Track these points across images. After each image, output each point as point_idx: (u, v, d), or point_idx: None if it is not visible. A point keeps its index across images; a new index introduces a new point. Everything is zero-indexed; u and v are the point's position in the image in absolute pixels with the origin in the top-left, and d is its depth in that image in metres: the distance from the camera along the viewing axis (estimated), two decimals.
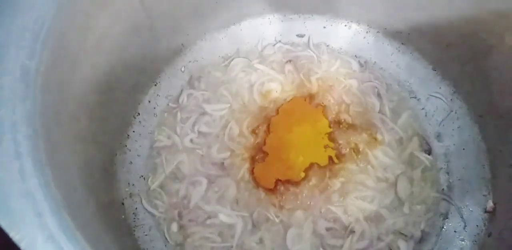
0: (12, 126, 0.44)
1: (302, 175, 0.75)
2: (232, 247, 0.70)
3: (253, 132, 0.78)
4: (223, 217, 0.73)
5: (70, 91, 0.56)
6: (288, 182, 0.75)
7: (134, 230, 0.72)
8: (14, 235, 0.39)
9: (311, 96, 0.81)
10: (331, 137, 0.78)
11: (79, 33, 0.57)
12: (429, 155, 0.77)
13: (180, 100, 0.81)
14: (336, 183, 0.74)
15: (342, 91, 0.81)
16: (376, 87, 0.82)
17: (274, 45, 0.86)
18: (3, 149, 0.42)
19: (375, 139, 0.78)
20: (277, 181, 0.75)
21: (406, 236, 0.71)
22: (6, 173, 0.41)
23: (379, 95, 0.81)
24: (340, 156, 0.76)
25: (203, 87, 0.83)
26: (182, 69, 0.83)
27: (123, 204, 0.72)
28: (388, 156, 0.76)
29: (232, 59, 0.84)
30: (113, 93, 0.70)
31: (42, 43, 0.49)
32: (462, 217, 0.73)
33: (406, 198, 0.73)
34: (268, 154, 0.77)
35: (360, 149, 0.77)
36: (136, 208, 0.73)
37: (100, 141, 0.67)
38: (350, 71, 0.83)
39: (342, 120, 0.79)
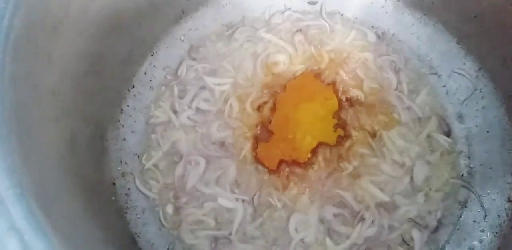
0: None
1: (309, 156, 0.69)
2: (230, 234, 0.65)
3: (258, 109, 0.72)
4: (222, 201, 0.67)
5: (50, 61, 0.50)
6: (293, 163, 0.69)
7: (126, 212, 0.67)
8: None
9: (322, 70, 0.74)
10: (342, 116, 0.71)
11: None
12: (448, 137, 0.71)
13: (179, 73, 0.75)
14: (347, 166, 0.68)
15: (356, 65, 0.74)
16: (394, 62, 0.75)
17: (283, 12, 0.78)
18: None
19: (391, 118, 0.71)
20: (282, 162, 0.69)
21: (420, 225, 0.66)
22: None
23: (396, 71, 0.74)
24: (351, 137, 0.70)
25: (204, 59, 0.76)
26: (182, 38, 0.76)
27: (114, 184, 0.67)
28: (404, 137, 0.70)
29: (237, 28, 0.77)
30: (105, 64, 0.64)
31: (14, 4, 0.43)
32: (482, 206, 0.67)
33: (423, 184, 0.67)
34: (273, 133, 0.71)
35: (375, 130, 0.70)
36: (129, 189, 0.68)
37: (88, 116, 0.61)
38: (365, 44, 0.76)
39: (355, 98, 0.72)
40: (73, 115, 0.56)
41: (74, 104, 0.57)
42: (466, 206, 0.68)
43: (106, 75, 0.65)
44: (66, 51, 0.54)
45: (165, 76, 0.75)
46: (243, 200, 0.67)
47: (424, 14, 0.76)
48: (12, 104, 0.40)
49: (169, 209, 0.68)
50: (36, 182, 0.38)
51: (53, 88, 0.51)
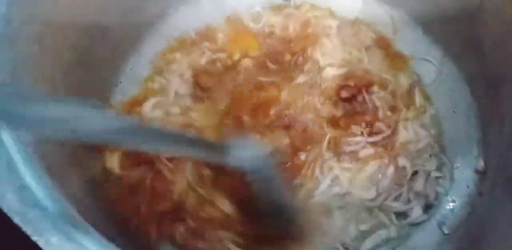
0: None
1: None
2: None
3: None
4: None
5: (43, 45, 0.54)
6: None
7: None
8: None
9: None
10: None
11: None
12: None
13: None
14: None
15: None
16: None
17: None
18: None
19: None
20: None
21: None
22: None
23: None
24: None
25: None
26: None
27: None
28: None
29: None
30: (91, 56, 0.68)
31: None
32: (452, 178, 0.71)
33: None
34: None
35: None
36: None
37: None
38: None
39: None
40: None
41: (66, 93, 0.61)
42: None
43: (93, 68, 0.69)
44: (55, 37, 0.58)
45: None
46: None
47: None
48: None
49: None
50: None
51: (47, 74, 0.56)
